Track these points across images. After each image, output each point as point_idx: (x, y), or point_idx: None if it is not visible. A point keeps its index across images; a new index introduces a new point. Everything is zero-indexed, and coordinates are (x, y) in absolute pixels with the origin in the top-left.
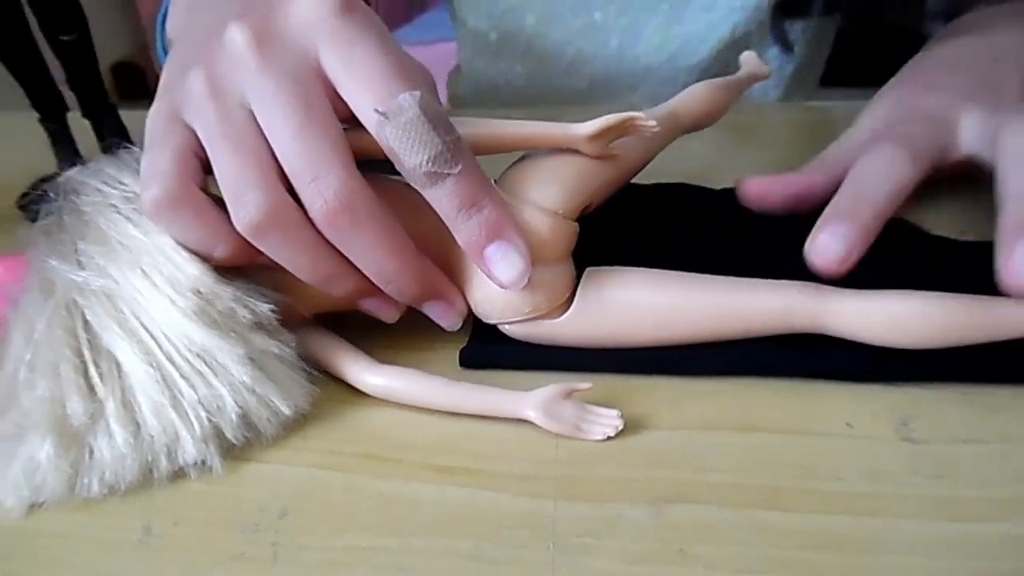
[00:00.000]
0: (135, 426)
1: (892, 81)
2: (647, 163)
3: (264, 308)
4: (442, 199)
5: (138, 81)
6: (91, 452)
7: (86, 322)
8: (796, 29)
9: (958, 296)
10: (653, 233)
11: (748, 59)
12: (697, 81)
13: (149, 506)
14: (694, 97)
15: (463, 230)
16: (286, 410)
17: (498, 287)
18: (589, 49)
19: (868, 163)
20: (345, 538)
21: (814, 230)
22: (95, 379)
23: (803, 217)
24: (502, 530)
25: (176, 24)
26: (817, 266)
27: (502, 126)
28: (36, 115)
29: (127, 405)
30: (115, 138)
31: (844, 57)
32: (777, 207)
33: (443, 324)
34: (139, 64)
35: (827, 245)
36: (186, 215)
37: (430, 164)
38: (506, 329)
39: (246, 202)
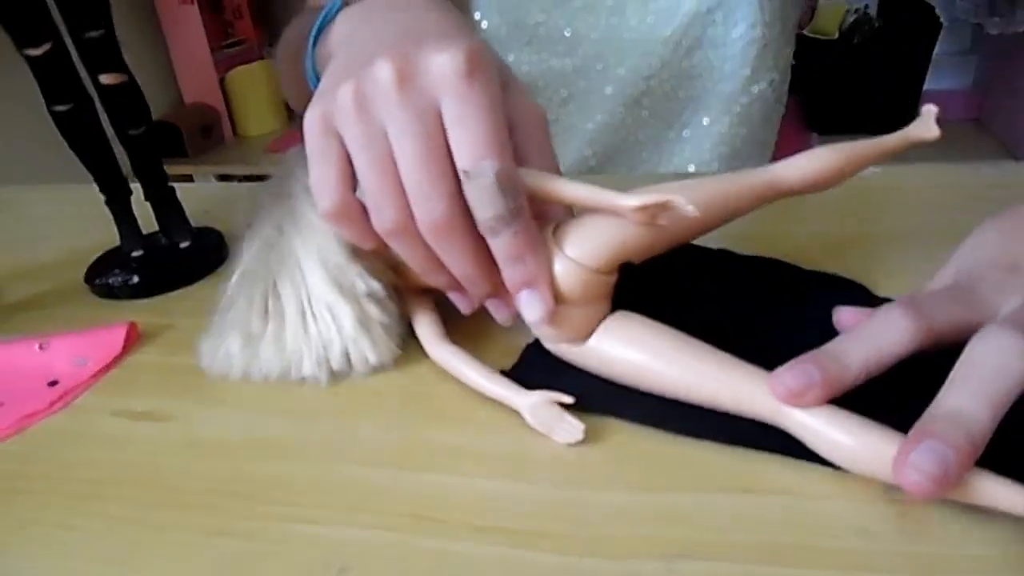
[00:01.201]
0: (281, 343)
1: (983, 243)
2: (723, 223)
3: (376, 285)
4: (497, 247)
5: (174, 139)
6: (259, 355)
7: (272, 268)
8: None
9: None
10: (698, 291)
11: (926, 114)
12: (673, 54)
13: (226, 567)
14: (803, 161)
15: (507, 274)
16: (373, 359)
17: None
18: (583, 29)
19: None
20: None
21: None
22: (270, 307)
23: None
24: None
25: (340, 32)
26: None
27: (563, 185)
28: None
29: (281, 328)
30: (173, 218)
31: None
32: None
33: (497, 318)
34: (175, 124)
35: (788, 381)
36: (348, 221)
37: (493, 220)
38: (544, 342)
39: (382, 214)
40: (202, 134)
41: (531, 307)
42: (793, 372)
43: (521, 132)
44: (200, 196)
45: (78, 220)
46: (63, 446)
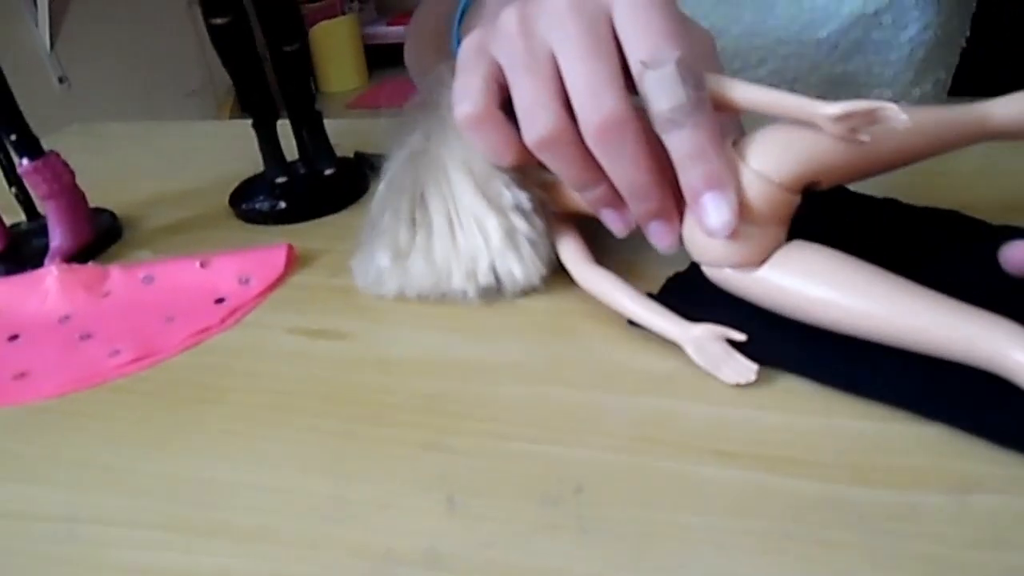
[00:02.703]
0: (431, 256)
1: None
2: (925, 157)
3: (521, 195)
4: (675, 143)
5: None
6: (409, 269)
7: (418, 178)
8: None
9: None
10: (884, 242)
11: None
12: (827, 58)
13: (446, 482)
14: (1021, 100)
15: (686, 175)
16: (520, 276)
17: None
18: (722, 23)
19: None
20: (647, 513)
21: None
22: (417, 218)
23: None
24: (803, 512)
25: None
26: None
27: (748, 89)
28: (248, 123)
29: (428, 240)
30: (318, 143)
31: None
32: None
33: (660, 244)
34: None
35: None
36: (487, 129)
37: (671, 112)
38: (704, 269)
39: (536, 121)
40: None
41: (717, 211)
42: None
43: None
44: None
45: (214, 153)
46: (245, 360)
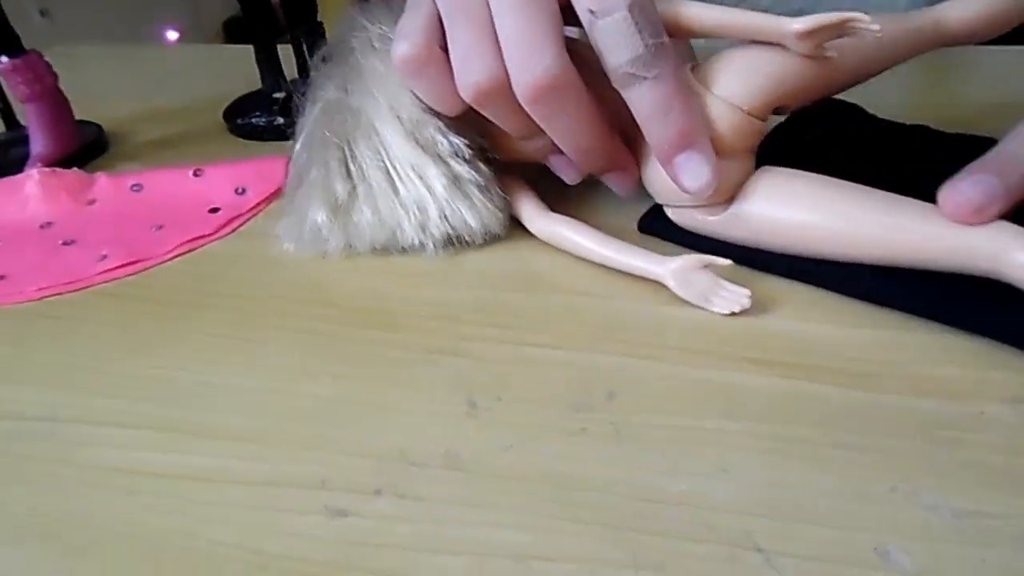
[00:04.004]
0: (376, 209)
1: None
2: (883, 70)
3: (458, 141)
4: (637, 100)
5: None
6: (355, 222)
7: (342, 131)
8: None
9: None
10: (855, 155)
11: None
12: None
13: (466, 383)
14: (972, 2)
15: (654, 134)
16: (473, 223)
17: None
18: None
19: None
20: (682, 419)
21: (958, 175)
22: (352, 170)
23: None
24: (851, 420)
25: None
26: (949, 212)
27: (707, 11)
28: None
29: (371, 191)
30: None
31: None
32: None
33: (618, 191)
34: None
35: (966, 192)
36: (428, 72)
37: (630, 65)
38: (668, 211)
39: (471, 71)
40: None
41: (694, 174)
42: (970, 182)
43: None
44: None
45: (204, 74)
46: (241, 268)
